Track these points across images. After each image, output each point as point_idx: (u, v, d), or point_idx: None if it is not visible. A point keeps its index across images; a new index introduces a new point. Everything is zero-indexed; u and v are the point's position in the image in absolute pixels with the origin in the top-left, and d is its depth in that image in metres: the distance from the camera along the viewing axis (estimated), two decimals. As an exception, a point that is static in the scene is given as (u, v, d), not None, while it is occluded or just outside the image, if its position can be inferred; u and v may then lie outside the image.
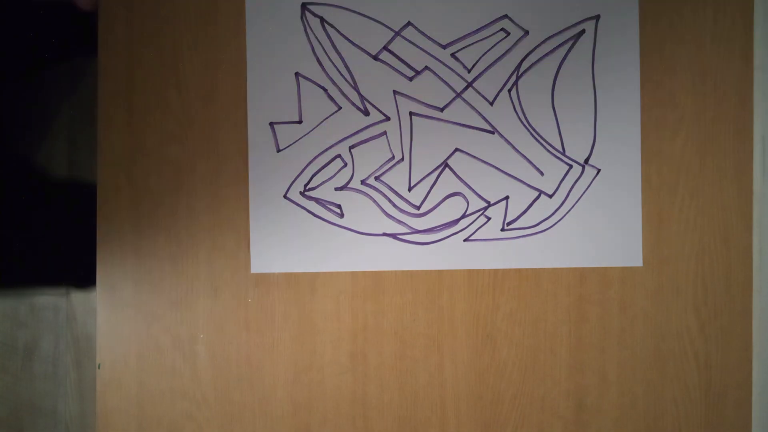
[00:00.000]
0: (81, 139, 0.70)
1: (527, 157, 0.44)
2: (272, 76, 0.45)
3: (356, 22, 0.44)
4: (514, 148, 0.44)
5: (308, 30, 0.44)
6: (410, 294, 0.45)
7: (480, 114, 0.44)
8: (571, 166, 0.44)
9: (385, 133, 0.45)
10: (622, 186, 0.44)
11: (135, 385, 0.46)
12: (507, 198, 0.45)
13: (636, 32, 0.44)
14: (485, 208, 0.45)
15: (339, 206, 0.45)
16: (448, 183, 0.45)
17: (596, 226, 0.44)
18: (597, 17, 0.44)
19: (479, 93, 0.44)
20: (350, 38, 0.44)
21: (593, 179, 0.44)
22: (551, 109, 0.44)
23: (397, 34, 0.44)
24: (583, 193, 0.44)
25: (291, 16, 0.44)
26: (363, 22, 0.44)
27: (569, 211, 0.44)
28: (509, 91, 0.44)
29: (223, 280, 0.45)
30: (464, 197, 0.45)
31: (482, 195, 0.45)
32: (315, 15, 0.44)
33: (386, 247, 0.45)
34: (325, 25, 0.44)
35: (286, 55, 0.45)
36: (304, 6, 0.44)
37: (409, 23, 0.44)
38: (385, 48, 0.44)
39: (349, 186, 0.45)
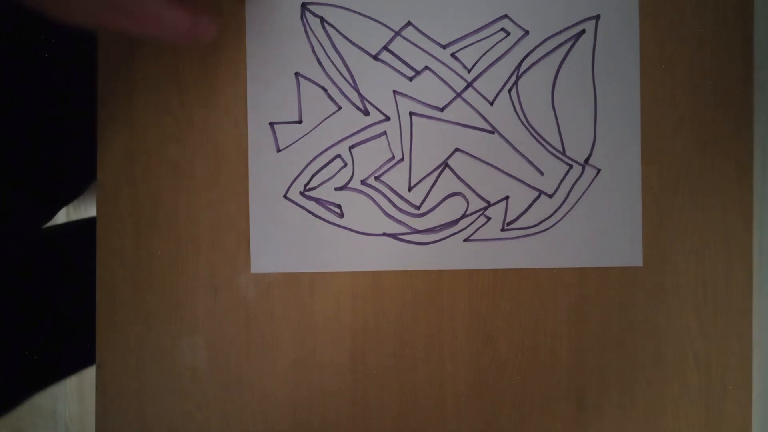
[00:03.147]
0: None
1: (527, 157, 0.44)
2: (272, 76, 0.45)
3: (356, 21, 0.44)
4: (514, 148, 0.44)
5: (308, 30, 0.44)
6: (410, 294, 0.45)
7: (480, 114, 0.44)
8: (571, 166, 0.44)
9: (385, 133, 0.45)
10: (622, 186, 0.44)
11: (135, 385, 0.46)
12: (507, 198, 0.45)
13: (636, 32, 0.44)
14: (485, 208, 0.45)
15: (339, 206, 0.45)
16: (448, 183, 0.45)
17: (596, 226, 0.44)
18: (597, 17, 0.44)
19: (479, 93, 0.44)
20: (350, 38, 0.44)
21: (593, 179, 0.44)
22: (551, 109, 0.44)
23: (397, 34, 0.44)
24: (584, 193, 0.44)
25: (291, 16, 0.44)
26: (363, 22, 0.44)
27: (569, 211, 0.44)
28: (509, 91, 0.44)
29: (223, 280, 0.45)
30: (464, 197, 0.45)
31: (482, 195, 0.45)
32: (315, 15, 0.44)
33: (386, 247, 0.45)
34: (325, 25, 0.44)
35: (286, 55, 0.45)
36: (304, 6, 0.44)
37: (409, 23, 0.44)
38: (385, 48, 0.44)
39: (349, 186, 0.45)
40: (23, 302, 0.54)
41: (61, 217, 1.00)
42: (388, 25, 0.44)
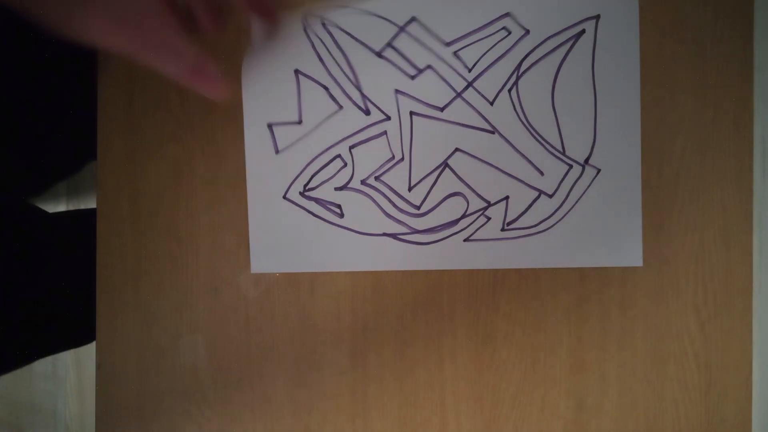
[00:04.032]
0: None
1: (527, 157, 0.44)
2: (271, 76, 0.44)
3: (361, 18, 0.44)
4: (514, 148, 0.44)
5: (308, 29, 0.44)
6: (410, 294, 0.45)
7: (480, 114, 0.44)
8: (571, 166, 0.44)
9: (385, 132, 0.45)
10: (622, 186, 0.44)
11: (135, 385, 0.46)
12: (507, 198, 0.45)
13: (636, 32, 0.44)
14: (485, 208, 0.45)
15: (339, 206, 0.45)
16: (448, 183, 0.45)
17: (596, 226, 0.44)
18: (597, 17, 0.44)
19: (479, 93, 0.44)
20: (354, 34, 0.44)
21: (593, 179, 0.44)
22: (551, 109, 0.44)
23: (402, 29, 0.44)
24: (584, 193, 0.44)
25: (291, 18, 0.44)
26: (368, 19, 0.44)
27: (569, 211, 0.44)
28: (509, 90, 0.44)
29: (223, 280, 0.45)
30: (464, 197, 0.45)
31: (482, 195, 0.45)
32: (315, 15, 0.44)
33: (386, 247, 0.45)
34: (326, 22, 0.44)
35: (286, 53, 0.44)
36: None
37: (414, 18, 0.44)
38: (389, 45, 0.44)
39: (349, 186, 0.45)
40: (21, 277, 0.54)
41: (61, 209, 1.00)
42: (392, 20, 0.44)
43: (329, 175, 0.45)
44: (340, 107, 0.44)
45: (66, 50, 0.55)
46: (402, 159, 0.45)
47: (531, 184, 0.44)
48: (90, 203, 1.08)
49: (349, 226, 0.45)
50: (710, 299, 0.44)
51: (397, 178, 0.45)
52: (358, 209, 0.45)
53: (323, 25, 0.44)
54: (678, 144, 0.44)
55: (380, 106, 0.44)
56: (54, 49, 0.54)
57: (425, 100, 0.44)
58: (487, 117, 0.44)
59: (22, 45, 0.51)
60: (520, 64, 0.44)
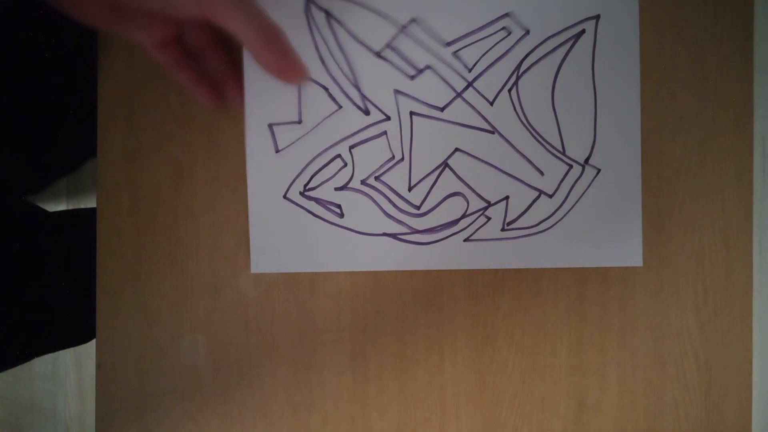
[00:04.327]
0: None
1: (527, 157, 0.44)
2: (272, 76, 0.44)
3: (361, 16, 0.44)
4: (514, 148, 0.44)
5: (312, 25, 0.44)
6: (410, 294, 0.45)
7: (480, 114, 0.44)
8: (571, 166, 0.44)
9: (385, 132, 0.45)
10: (623, 186, 0.44)
11: (135, 385, 0.46)
12: (507, 198, 0.45)
13: (636, 32, 0.44)
14: (485, 208, 0.45)
15: (339, 206, 0.45)
16: (448, 183, 0.45)
17: (596, 226, 0.44)
18: (597, 17, 0.44)
19: (479, 93, 0.44)
20: (355, 33, 0.44)
21: (593, 179, 0.44)
22: (551, 109, 0.44)
23: (402, 30, 0.44)
24: (584, 193, 0.44)
25: (294, 11, 0.44)
26: (368, 17, 0.44)
27: (569, 211, 0.44)
28: (509, 90, 0.44)
29: (223, 280, 0.45)
30: (464, 197, 0.45)
31: (482, 195, 0.45)
32: (320, 8, 0.44)
33: (386, 247, 0.45)
34: (330, 19, 0.44)
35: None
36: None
37: (414, 19, 0.44)
38: (388, 45, 0.44)
39: (349, 186, 0.45)
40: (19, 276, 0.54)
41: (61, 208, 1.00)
42: (393, 19, 0.44)
43: (329, 175, 0.45)
44: (340, 107, 0.44)
45: (67, 47, 0.55)
46: (402, 159, 0.45)
47: (531, 184, 0.44)
48: (90, 202, 1.08)
49: (349, 226, 0.45)
50: (710, 299, 0.44)
51: (397, 178, 0.45)
52: (358, 209, 0.45)
53: (328, 21, 0.44)
54: (678, 144, 0.44)
55: (380, 106, 0.44)
56: (54, 45, 0.54)
57: (425, 100, 0.44)
58: (487, 117, 0.44)
59: (23, 41, 0.51)
60: (520, 64, 0.44)
